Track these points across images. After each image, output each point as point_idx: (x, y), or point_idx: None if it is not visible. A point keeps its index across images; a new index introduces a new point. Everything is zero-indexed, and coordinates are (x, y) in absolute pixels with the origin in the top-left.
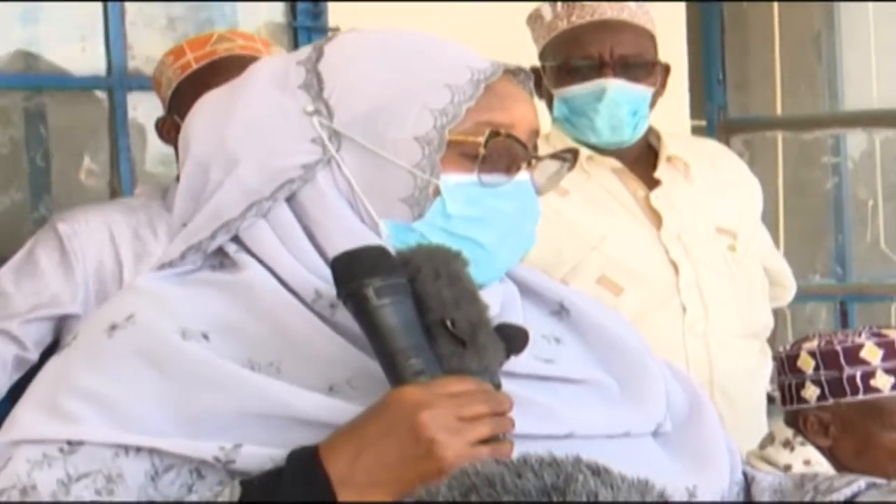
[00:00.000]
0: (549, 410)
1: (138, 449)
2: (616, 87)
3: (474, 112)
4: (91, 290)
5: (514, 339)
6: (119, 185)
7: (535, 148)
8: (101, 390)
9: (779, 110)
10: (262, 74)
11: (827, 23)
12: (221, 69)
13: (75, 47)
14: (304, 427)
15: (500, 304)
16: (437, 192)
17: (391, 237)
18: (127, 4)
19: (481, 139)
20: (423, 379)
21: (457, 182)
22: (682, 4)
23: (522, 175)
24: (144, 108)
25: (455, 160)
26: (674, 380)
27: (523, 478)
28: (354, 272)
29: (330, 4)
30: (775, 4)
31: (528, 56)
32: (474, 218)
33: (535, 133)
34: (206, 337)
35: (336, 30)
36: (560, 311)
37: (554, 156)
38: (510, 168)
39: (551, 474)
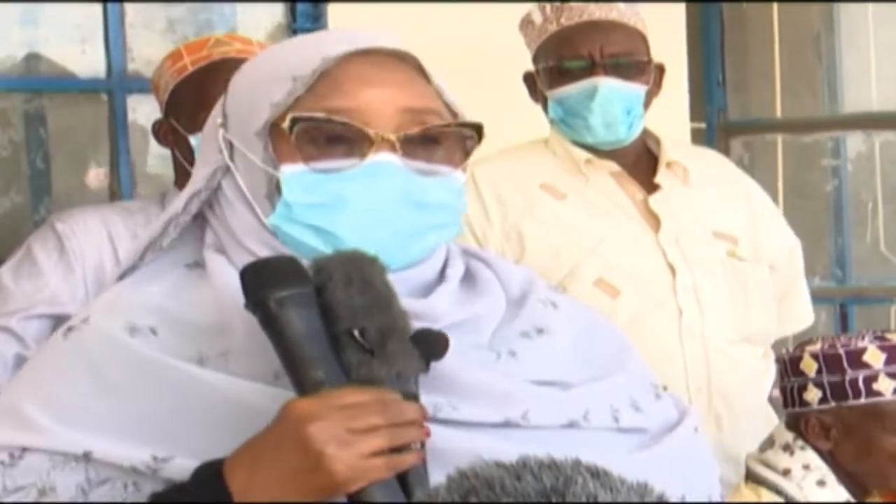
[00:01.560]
0: (506, 394)
1: (76, 460)
2: (608, 85)
3: (312, 100)
4: (90, 291)
5: (432, 345)
6: (119, 187)
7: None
8: (49, 393)
9: (778, 112)
10: None
11: (826, 24)
12: (216, 72)
13: (75, 49)
14: (248, 418)
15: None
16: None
17: (279, 238)
18: (127, 7)
19: (285, 125)
20: (323, 390)
21: (291, 172)
22: (682, 6)
23: (380, 157)
24: (144, 111)
25: (294, 150)
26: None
27: (522, 480)
28: (259, 283)
29: (329, 6)
30: (775, 6)
31: (524, 57)
32: (314, 205)
33: (408, 111)
34: (153, 331)
35: None
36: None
37: (426, 130)
38: (354, 151)
39: (550, 476)
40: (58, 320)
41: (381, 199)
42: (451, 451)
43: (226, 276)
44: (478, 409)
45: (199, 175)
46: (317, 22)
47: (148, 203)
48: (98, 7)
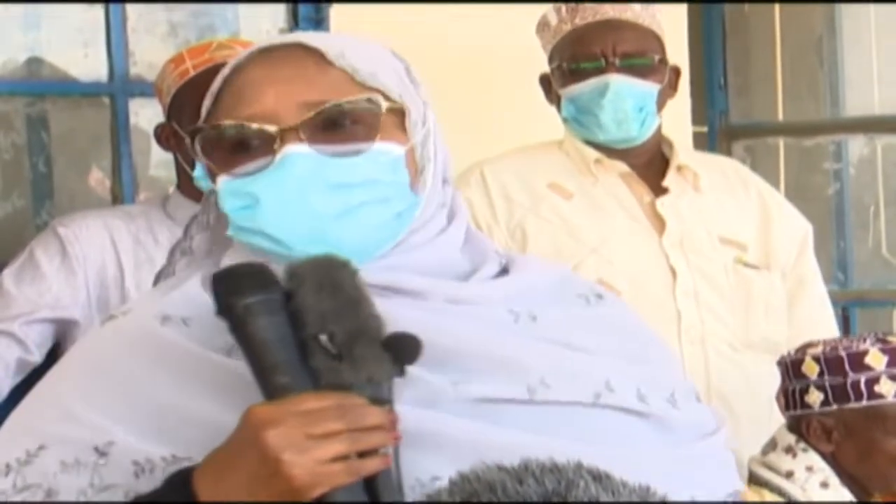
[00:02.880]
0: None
1: (85, 465)
2: (619, 82)
3: (221, 113)
4: (92, 294)
5: (403, 349)
6: (121, 190)
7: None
8: (79, 376)
9: (780, 115)
10: None
11: (828, 28)
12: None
13: (77, 53)
14: None
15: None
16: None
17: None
18: (129, 10)
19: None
20: (288, 395)
21: (221, 183)
22: (684, 9)
23: (287, 149)
24: (146, 114)
25: (219, 160)
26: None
27: (524, 483)
28: (228, 289)
29: (332, 9)
30: (777, 9)
31: (527, 57)
32: (241, 208)
33: (308, 104)
34: (185, 322)
35: None
36: (591, 298)
37: (318, 114)
38: (261, 151)
39: (552, 480)
40: (60, 324)
41: (293, 189)
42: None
43: None
44: (498, 386)
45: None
46: (319, 25)
47: (150, 207)
48: (100, 11)
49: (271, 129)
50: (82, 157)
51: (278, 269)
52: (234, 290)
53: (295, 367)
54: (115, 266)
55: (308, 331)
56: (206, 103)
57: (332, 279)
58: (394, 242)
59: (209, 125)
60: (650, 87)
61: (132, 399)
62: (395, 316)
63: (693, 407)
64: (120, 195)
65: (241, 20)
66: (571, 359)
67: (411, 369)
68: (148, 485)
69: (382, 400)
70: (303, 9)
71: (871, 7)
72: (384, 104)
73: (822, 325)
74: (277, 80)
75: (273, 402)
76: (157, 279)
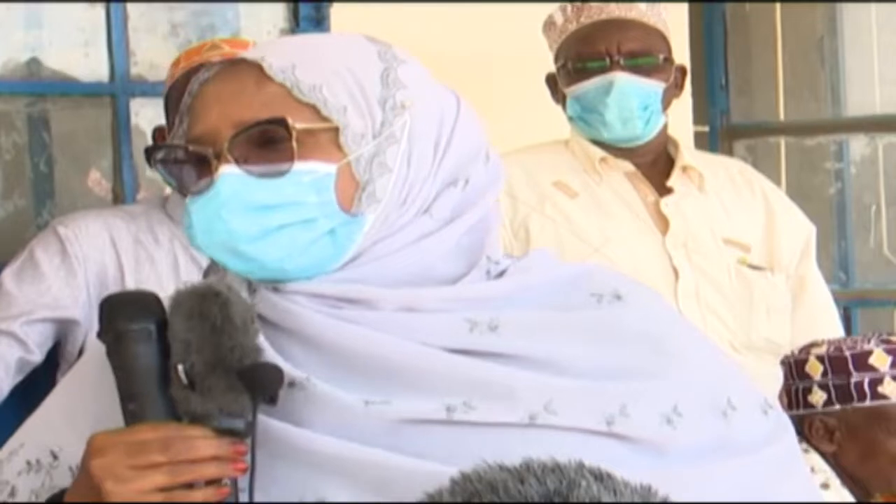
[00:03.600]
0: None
1: (42, 467)
2: (624, 80)
3: (187, 130)
4: (93, 294)
5: (259, 380)
6: (122, 190)
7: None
8: (69, 381)
9: (781, 115)
10: None
11: (830, 28)
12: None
13: (78, 53)
14: None
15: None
16: None
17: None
18: (130, 10)
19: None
20: (137, 423)
21: (185, 202)
22: (685, 8)
23: (220, 170)
24: (147, 114)
25: (179, 180)
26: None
27: (526, 483)
28: (108, 315)
29: (332, 9)
30: (777, 8)
31: (530, 56)
32: (187, 227)
33: (241, 124)
34: None
35: None
36: (604, 298)
37: (235, 136)
38: (205, 172)
39: (554, 480)
40: (60, 324)
41: (214, 211)
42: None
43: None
44: (416, 404)
45: None
46: (319, 25)
47: (150, 207)
48: (101, 10)
49: (205, 150)
50: (83, 157)
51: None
52: (111, 316)
53: (151, 397)
54: (115, 266)
55: (172, 360)
56: (176, 119)
57: (200, 308)
58: (341, 258)
59: (161, 144)
60: (655, 86)
61: (90, 409)
62: (319, 329)
63: (717, 422)
64: (121, 195)
65: (241, 20)
66: (513, 376)
67: (325, 388)
68: None
69: (236, 431)
70: (303, 8)
71: (873, 7)
72: (301, 125)
73: (825, 328)
74: (220, 98)
75: (114, 430)
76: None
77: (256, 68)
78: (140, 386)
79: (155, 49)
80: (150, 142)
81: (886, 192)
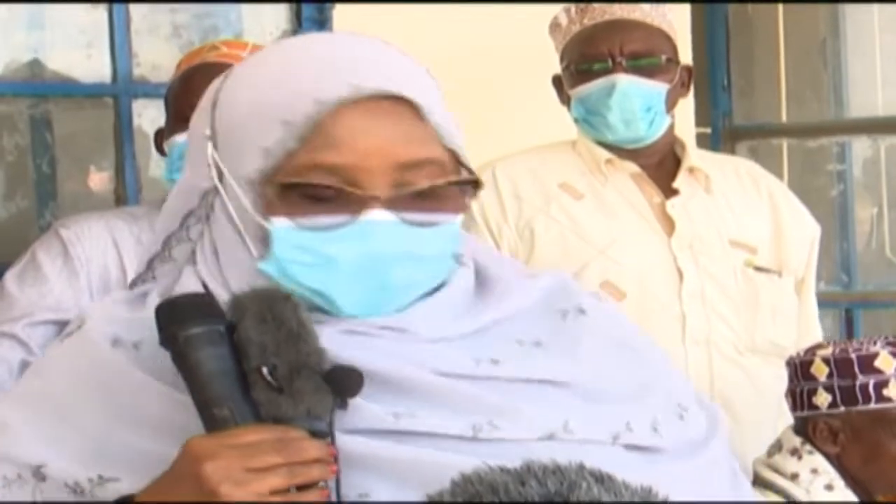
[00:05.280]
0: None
1: (27, 480)
2: (626, 82)
3: (306, 152)
4: (95, 296)
5: (344, 382)
6: (124, 191)
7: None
8: (31, 393)
9: (784, 117)
10: (210, 85)
11: (832, 30)
12: (191, 78)
13: (80, 54)
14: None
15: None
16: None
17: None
18: (132, 12)
19: (304, 183)
20: (228, 428)
21: (285, 226)
22: (687, 9)
23: (373, 214)
24: (149, 115)
25: (291, 203)
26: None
27: (527, 485)
28: (172, 319)
29: (335, 9)
30: (780, 9)
31: (537, 56)
32: (305, 264)
33: (408, 164)
34: (136, 347)
35: None
36: (569, 312)
37: (422, 191)
38: (347, 208)
39: (555, 482)
40: (62, 326)
41: (374, 258)
42: None
43: None
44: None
45: (193, 189)
46: (322, 26)
47: (153, 208)
48: (103, 12)
49: (359, 192)
50: (85, 159)
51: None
52: (177, 320)
53: (236, 400)
54: (117, 267)
55: (250, 363)
56: (280, 135)
57: (273, 312)
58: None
59: (300, 178)
60: (658, 87)
61: (68, 424)
62: (349, 350)
63: (680, 425)
64: (123, 196)
65: (244, 21)
66: (525, 399)
67: (355, 399)
68: None
69: (322, 433)
70: (306, 9)
71: (875, 8)
72: (454, 176)
73: (815, 332)
74: (376, 134)
75: (212, 434)
76: (133, 285)
77: (407, 105)
78: (225, 389)
79: (157, 50)
80: (151, 143)
81: (889, 193)
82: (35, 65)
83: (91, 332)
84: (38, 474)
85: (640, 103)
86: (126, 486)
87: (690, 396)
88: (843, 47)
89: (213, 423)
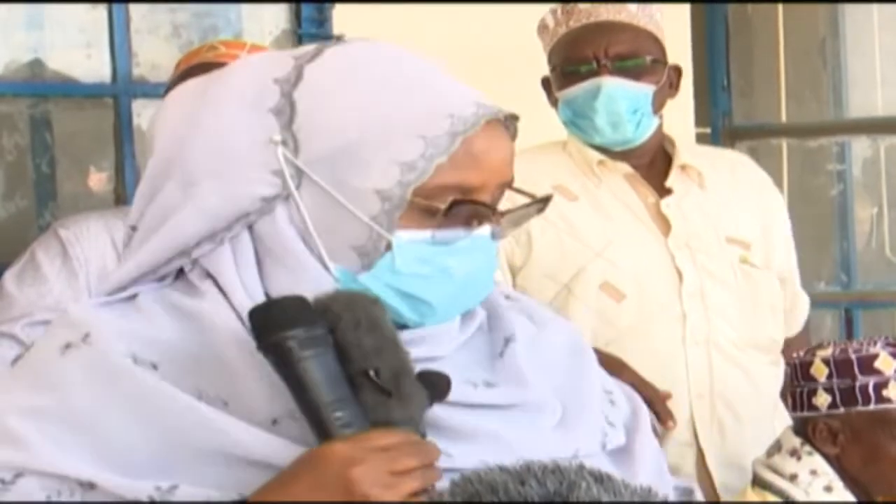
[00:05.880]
0: (495, 437)
1: (72, 489)
2: (611, 84)
3: (445, 169)
4: (94, 296)
5: (436, 386)
6: (123, 191)
7: (502, 193)
8: (46, 408)
9: (783, 117)
10: (236, 86)
11: (831, 29)
12: (189, 79)
13: (80, 54)
14: (247, 466)
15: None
16: (389, 247)
17: (339, 283)
18: (132, 11)
19: (442, 206)
20: (349, 432)
21: (410, 239)
22: (687, 9)
23: (482, 230)
24: (149, 115)
25: (413, 216)
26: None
27: (526, 485)
28: (275, 323)
29: (334, 9)
30: (780, 9)
31: (530, 57)
32: (422, 276)
33: (506, 184)
34: (154, 367)
35: (340, 37)
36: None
37: (523, 207)
38: (469, 224)
39: (554, 481)
40: None
41: (478, 272)
42: None
43: (224, 314)
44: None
45: (244, 193)
46: (322, 26)
47: None
48: (103, 11)
49: (483, 210)
50: (85, 159)
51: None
52: (280, 324)
53: (349, 404)
54: (115, 267)
55: (354, 367)
56: (425, 152)
57: (368, 316)
58: None
59: (457, 200)
60: (644, 89)
61: (102, 438)
62: None
63: (615, 410)
64: (123, 196)
65: (243, 21)
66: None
67: None
68: None
69: (423, 435)
70: (305, 9)
71: (875, 8)
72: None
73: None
74: (499, 158)
75: (350, 439)
76: (172, 261)
77: (506, 127)
78: (339, 392)
79: (157, 50)
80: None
81: (888, 193)
82: (35, 64)
83: (102, 347)
84: (86, 487)
85: (626, 105)
86: (188, 490)
87: (607, 378)
88: (843, 47)
89: (331, 427)
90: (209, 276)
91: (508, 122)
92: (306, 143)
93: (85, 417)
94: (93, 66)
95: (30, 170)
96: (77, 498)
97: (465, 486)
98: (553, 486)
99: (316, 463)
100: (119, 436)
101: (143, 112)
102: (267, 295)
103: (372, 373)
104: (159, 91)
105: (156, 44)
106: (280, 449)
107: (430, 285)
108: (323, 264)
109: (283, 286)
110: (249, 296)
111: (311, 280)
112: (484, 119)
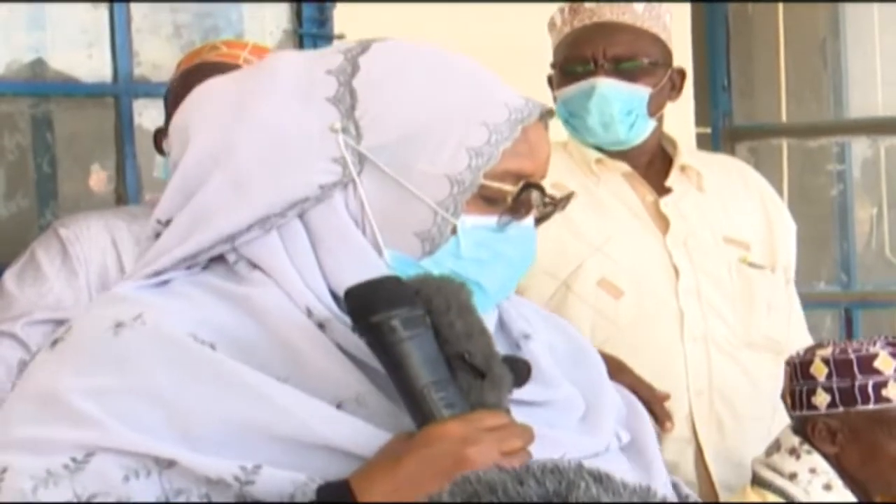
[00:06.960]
0: (540, 435)
1: (150, 467)
2: (605, 85)
3: (512, 158)
4: (94, 296)
5: (521, 370)
6: (125, 191)
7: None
8: (109, 386)
9: (784, 117)
10: (284, 78)
11: (832, 29)
12: (189, 78)
13: (81, 54)
14: (317, 450)
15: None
16: (454, 232)
17: (393, 268)
18: (133, 11)
19: (512, 189)
20: (453, 413)
21: (474, 225)
22: (687, 9)
23: (529, 220)
24: (150, 115)
25: (477, 202)
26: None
27: (525, 484)
28: (376, 303)
29: (335, 9)
30: (780, 9)
31: (530, 58)
32: (481, 261)
33: (544, 178)
34: (213, 347)
35: (341, 37)
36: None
37: (561, 200)
38: (524, 213)
39: (553, 481)
40: (62, 326)
41: (524, 259)
42: None
43: (277, 299)
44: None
45: (300, 181)
46: (323, 26)
47: (151, 208)
48: (104, 11)
49: (536, 198)
50: (86, 158)
51: None
52: (382, 304)
53: (449, 385)
54: (116, 266)
55: (449, 349)
56: (490, 138)
57: (458, 300)
58: None
59: (529, 183)
60: (639, 91)
61: (180, 416)
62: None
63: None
64: (124, 196)
65: (245, 21)
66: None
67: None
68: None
69: (511, 417)
70: (306, 9)
71: (875, 8)
72: None
73: (801, 318)
74: (545, 146)
75: (459, 418)
76: (215, 245)
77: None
78: (439, 373)
79: (158, 50)
80: (152, 143)
81: (888, 194)
82: (36, 64)
83: (160, 326)
84: (163, 465)
85: (619, 107)
86: (273, 472)
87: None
88: (844, 47)
89: (436, 408)
90: (250, 262)
91: (546, 119)
92: (369, 131)
93: (157, 393)
94: (94, 65)
95: (31, 169)
96: (154, 476)
97: (464, 486)
98: (552, 485)
99: (429, 441)
100: (196, 413)
101: (144, 112)
102: (325, 279)
103: (466, 355)
104: (160, 91)
105: (157, 44)
106: (345, 424)
107: (486, 270)
108: (378, 250)
109: (340, 273)
110: (307, 283)
111: (368, 266)
112: (538, 110)
